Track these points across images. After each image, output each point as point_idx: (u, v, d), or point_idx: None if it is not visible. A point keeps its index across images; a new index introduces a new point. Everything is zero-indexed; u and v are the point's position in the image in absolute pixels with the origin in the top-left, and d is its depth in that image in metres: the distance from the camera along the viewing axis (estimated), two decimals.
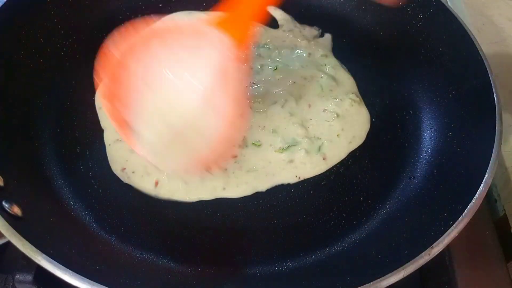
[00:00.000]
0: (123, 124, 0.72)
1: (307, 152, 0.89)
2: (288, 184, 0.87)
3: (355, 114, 0.96)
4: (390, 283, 0.63)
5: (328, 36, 1.10)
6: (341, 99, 0.97)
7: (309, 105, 0.96)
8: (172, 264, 0.76)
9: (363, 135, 0.94)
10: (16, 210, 0.67)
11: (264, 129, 0.92)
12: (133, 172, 0.85)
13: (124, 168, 0.85)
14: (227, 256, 0.77)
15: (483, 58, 0.86)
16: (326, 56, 1.05)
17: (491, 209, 0.94)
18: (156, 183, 0.84)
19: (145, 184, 0.84)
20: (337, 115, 0.94)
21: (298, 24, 1.11)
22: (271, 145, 0.90)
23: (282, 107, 0.95)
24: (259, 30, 1.06)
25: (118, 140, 0.88)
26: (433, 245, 0.66)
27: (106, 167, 0.86)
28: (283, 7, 1.14)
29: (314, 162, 0.89)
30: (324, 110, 0.95)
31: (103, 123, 0.92)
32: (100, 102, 0.93)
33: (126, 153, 0.87)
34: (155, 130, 0.73)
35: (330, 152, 0.91)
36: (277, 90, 0.98)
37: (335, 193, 0.87)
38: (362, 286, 0.62)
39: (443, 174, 0.84)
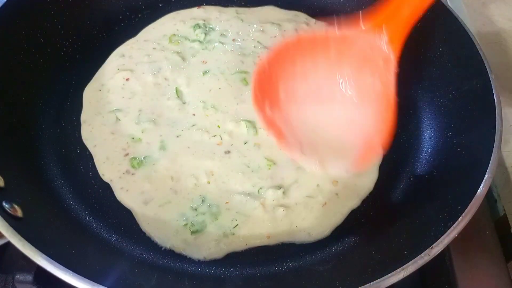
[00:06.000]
0: (276, 129, 0.78)
1: None
2: None
3: None
4: (390, 283, 0.63)
5: None
6: None
7: None
8: (172, 264, 0.76)
9: None
10: (16, 210, 0.67)
11: None
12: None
13: (112, 180, 0.84)
14: (226, 256, 0.77)
15: (483, 58, 0.86)
16: None
17: (491, 209, 0.93)
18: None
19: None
20: None
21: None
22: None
23: None
24: None
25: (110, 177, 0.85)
26: (433, 245, 0.66)
27: None
28: (284, 7, 1.14)
29: None
30: None
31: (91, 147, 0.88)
32: (83, 118, 0.90)
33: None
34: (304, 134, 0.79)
35: None
36: None
37: None
38: (362, 286, 0.62)
39: (443, 174, 0.84)
